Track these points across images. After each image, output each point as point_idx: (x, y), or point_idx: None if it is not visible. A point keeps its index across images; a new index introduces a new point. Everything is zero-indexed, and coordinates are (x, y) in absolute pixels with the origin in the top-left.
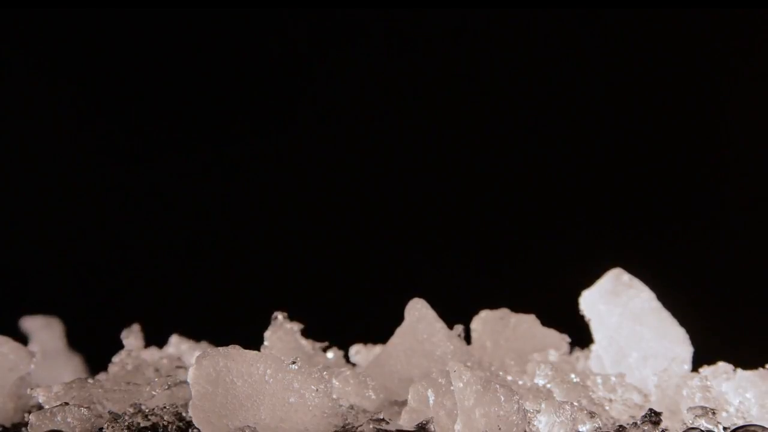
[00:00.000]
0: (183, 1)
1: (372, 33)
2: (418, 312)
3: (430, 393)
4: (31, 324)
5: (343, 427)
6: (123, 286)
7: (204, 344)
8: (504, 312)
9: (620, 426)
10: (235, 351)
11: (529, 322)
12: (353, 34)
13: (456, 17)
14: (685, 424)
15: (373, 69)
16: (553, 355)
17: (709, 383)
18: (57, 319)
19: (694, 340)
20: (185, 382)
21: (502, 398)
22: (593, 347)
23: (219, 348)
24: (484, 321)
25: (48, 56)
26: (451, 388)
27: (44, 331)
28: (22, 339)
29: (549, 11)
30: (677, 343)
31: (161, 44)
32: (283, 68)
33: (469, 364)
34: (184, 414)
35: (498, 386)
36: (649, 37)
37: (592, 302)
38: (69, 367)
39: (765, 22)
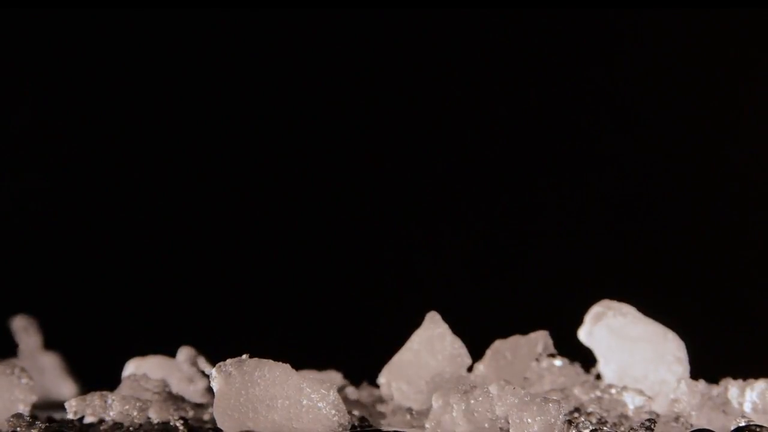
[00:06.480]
0: (182, 1)
1: (372, 33)
2: (431, 322)
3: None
4: (14, 324)
5: (352, 428)
6: (129, 289)
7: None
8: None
9: None
10: (249, 359)
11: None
12: (353, 34)
13: (457, 18)
14: (690, 425)
15: (386, 73)
16: (558, 362)
17: (713, 388)
18: (33, 319)
19: (698, 344)
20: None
21: (551, 406)
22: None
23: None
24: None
25: (48, 55)
26: (477, 400)
27: (23, 331)
28: (8, 338)
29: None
30: (667, 343)
31: (159, 43)
32: (284, 68)
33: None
34: (189, 420)
35: (544, 397)
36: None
37: (585, 336)
38: (47, 367)
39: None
